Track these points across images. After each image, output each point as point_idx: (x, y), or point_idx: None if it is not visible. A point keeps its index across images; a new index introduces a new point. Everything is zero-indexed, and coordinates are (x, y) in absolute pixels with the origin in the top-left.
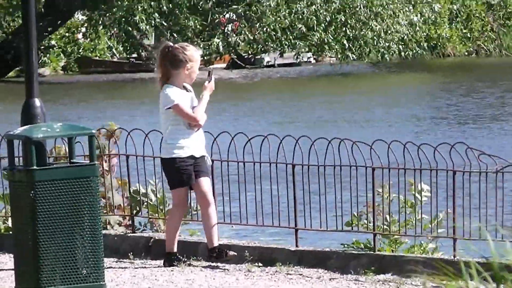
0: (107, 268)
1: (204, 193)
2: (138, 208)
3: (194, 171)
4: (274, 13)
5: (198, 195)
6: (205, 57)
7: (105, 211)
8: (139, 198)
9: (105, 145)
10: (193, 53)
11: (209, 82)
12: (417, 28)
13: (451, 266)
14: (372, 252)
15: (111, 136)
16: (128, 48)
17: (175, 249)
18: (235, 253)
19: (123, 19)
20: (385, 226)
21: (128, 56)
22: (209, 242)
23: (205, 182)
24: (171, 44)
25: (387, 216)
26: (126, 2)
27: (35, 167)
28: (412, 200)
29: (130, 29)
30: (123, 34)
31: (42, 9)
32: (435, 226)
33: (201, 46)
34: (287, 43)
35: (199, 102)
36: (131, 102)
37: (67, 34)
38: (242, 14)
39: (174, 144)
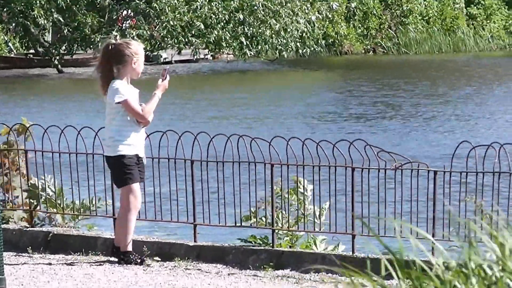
0: (6, 262)
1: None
2: (36, 203)
3: None
4: (173, 10)
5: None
6: None
7: (9, 206)
8: (37, 192)
9: (13, 141)
10: (137, 47)
11: (163, 80)
12: (315, 26)
13: (349, 262)
14: (271, 248)
15: (23, 132)
16: (26, 44)
17: (130, 248)
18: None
19: (21, 14)
20: (282, 222)
21: (25, 52)
22: (124, 245)
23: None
24: (114, 41)
25: (284, 212)
26: None
27: None
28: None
29: (28, 23)
30: (21, 29)
31: None
32: (324, 220)
33: (99, 42)
34: (184, 40)
35: (150, 100)
36: (28, 97)
37: None
38: (141, 10)
39: (121, 141)
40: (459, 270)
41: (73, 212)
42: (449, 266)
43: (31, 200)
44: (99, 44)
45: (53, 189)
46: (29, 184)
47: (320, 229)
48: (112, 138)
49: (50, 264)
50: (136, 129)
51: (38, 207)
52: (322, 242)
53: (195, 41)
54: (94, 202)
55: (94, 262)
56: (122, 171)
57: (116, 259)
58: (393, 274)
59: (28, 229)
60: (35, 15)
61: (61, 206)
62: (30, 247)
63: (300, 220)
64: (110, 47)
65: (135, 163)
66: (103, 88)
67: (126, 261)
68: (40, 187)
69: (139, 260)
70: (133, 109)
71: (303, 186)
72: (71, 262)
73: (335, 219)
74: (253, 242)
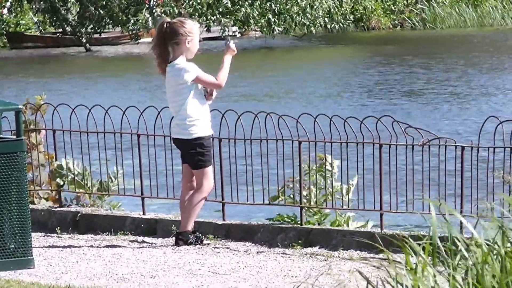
0: (34, 242)
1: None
2: (63, 182)
3: None
4: None
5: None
6: (132, 32)
7: (32, 186)
8: (64, 173)
9: (31, 120)
10: (192, 26)
11: (226, 44)
12: (343, 1)
13: (377, 239)
14: (299, 226)
15: (37, 110)
16: (54, 23)
17: (190, 228)
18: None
19: None
20: (310, 199)
21: (55, 31)
22: (184, 225)
23: None
24: (168, 19)
25: (312, 189)
26: None
27: None
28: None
29: (56, 2)
30: (49, 8)
31: None
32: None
33: (130, 21)
34: (212, 18)
35: (221, 66)
36: (54, 76)
37: None
38: None
39: (197, 121)
40: (491, 246)
41: (102, 192)
42: (478, 242)
43: (58, 181)
44: (129, 24)
45: (79, 170)
46: (56, 165)
47: (348, 206)
48: (188, 120)
49: (79, 244)
50: (206, 106)
51: (66, 187)
52: (354, 220)
53: (223, 18)
54: (114, 181)
55: (122, 242)
56: (201, 153)
57: (143, 238)
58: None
59: (56, 209)
60: None
61: (88, 186)
62: (58, 228)
63: (328, 197)
64: (165, 26)
65: (211, 144)
66: (160, 67)
67: (184, 241)
68: (66, 167)
69: (197, 240)
70: (207, 81)
71: (330, 162)
72: (100, 242)
73: (363, 196)
74: (281, 221)
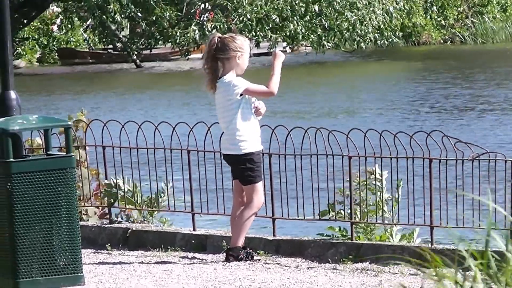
0: (84, 259)
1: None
2: (113, 200)
3: None
4: (250, 3)
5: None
6: (182, 48)
7: (81, 202)
8: (114, 190)
9: (75, 135)
10: (243, 42)
11: (273, 52)
12: (393, 16)
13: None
14: (349, 241)
15: (87, 127)
16: (104, 39)
17: (241, 244)
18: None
19: (98, 10)
20: (360, 214)
21: (105, 47)
22: (234, 241)
23: None
24: (220, 34)
25: (363, 204)
26: None
27: (11, 159)
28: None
29: (105, 17)
30: (98, 24)
31: (16, 1)
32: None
33: (178, 36)
34: (262, 34)
35: (271, 74)
36: (109, 92)
37: (41, 26)
38: (219, 4)
39: (247, 137)
40: None
41: (151, 207)
42: None
43: (107, 198)
44: (178, 38)
45: (129, 186)
46: (106, 183)
47: (398, 220)
48: (238, 135)
49: (129, 260)
50: (256, 122)
51: (116, 204)
52: (398, 233)
53: (272, 35)
54: (163, 196)
55: (173, 258)
56: (251, 169)
57: (193, 254)
58: (472, 266)
59: (106, 225)
60: (111, 10)
61: (138, 202)
62: (108, 244)
63: (379, 212)
64: (216, 40)
65: (261, 160)
66: (210, 83)
67: (235, 257)
68: (117, 184)
69: (248, 255)
70: (258, 91)
71: (376, 175)
72: (150, 259)
73: (413, 211)
74: (331, 235)
